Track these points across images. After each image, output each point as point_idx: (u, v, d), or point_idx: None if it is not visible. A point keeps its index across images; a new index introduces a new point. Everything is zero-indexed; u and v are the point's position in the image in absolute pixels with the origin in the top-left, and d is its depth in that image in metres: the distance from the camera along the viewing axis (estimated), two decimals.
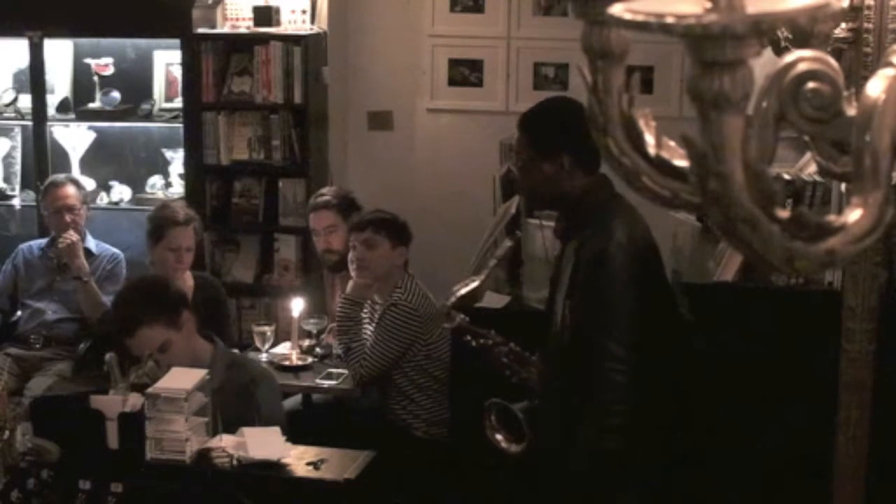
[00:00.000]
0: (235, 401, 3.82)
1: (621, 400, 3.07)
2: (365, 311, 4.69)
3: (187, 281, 5.10)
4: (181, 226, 4.99)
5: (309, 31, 5.68)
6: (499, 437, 3.38)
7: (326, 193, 5.20)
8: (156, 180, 6.01)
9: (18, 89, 6.05)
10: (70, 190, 5.50)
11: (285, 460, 3.64)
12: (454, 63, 6.03)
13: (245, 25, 5.73)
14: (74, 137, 5.93)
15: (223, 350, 4.11)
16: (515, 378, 3.40)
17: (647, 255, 3.23)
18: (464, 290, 3.47)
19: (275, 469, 3.61)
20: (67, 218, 5.42)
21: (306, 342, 4.97)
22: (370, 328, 4.65)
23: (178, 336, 3.93)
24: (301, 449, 3.75)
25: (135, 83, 5.98)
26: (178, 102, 5.86)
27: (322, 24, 5.75)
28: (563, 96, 4.02)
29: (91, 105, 5.96)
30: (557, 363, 3.27)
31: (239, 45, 5.74)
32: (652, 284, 3.20)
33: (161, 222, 5.01)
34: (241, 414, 3.80)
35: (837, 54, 2.35)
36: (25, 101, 5.96)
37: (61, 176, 5.64)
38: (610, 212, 3.16)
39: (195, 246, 5.10)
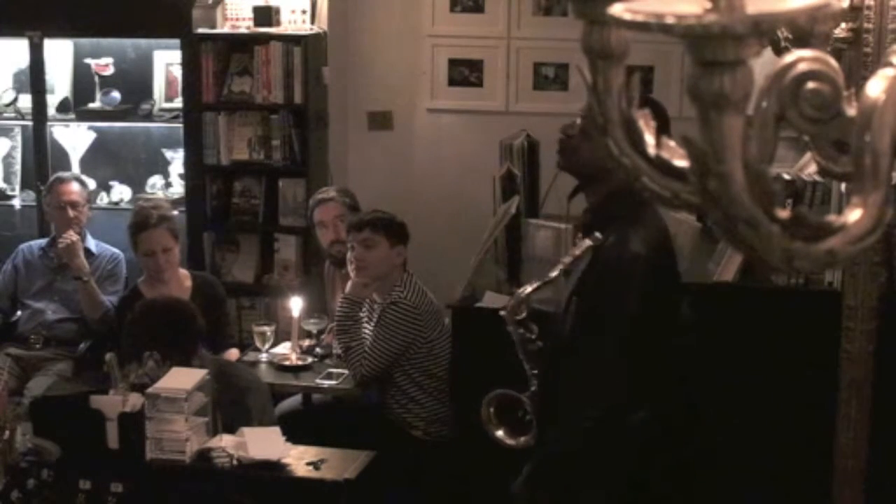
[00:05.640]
0: (230, 410, 3.84)
1: (595, 404, 3.10)
2: (363, 311, 4.68)
3: (185, 281, 5.09)
4: (150, 229, 4.99)
5: (309, 31, 5.68)
6: (500, 433, 3.39)
7: (329, 190, 5.23)
8: (156, 180, 6.01)
9: (18, 89, 6.05)
10: (75, 186, 5.52)
11: (285, 460, 3.65)
12: (454, 63, 6.02)
13: (245, 25, 5.73)
14: (74, 137, 5.93)
15: (209, 360, 4.16)
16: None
17: (662, 263, 3.24)
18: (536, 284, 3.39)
19: (275, 469, 3.61)
20: (71, 213, 5.42)
21: (306, 342, 4.96)
22: (368, 328, 4.65)
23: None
24: (301, 449, 3.76)
25: (135, 83, 5.98)
26: (178, 102, 5.85)
27: (322, 24, 5.75)
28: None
29: (91, 105, 5.95)
30: (556, 356, 3.28)
31: (239, 45, 5.73)
32: (660, 294, 3.20)
33: (132, 229, 5.04)
34: (235, 422, 3.83)
35: (837, 54, 2.35)
36: (25, 101, 5.95)
37: (67, 173, 5.65)
38: (634, 216, 3.14)
39: (175, 244, 5.08)
